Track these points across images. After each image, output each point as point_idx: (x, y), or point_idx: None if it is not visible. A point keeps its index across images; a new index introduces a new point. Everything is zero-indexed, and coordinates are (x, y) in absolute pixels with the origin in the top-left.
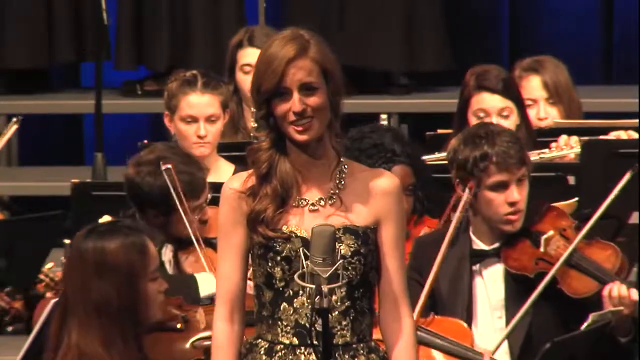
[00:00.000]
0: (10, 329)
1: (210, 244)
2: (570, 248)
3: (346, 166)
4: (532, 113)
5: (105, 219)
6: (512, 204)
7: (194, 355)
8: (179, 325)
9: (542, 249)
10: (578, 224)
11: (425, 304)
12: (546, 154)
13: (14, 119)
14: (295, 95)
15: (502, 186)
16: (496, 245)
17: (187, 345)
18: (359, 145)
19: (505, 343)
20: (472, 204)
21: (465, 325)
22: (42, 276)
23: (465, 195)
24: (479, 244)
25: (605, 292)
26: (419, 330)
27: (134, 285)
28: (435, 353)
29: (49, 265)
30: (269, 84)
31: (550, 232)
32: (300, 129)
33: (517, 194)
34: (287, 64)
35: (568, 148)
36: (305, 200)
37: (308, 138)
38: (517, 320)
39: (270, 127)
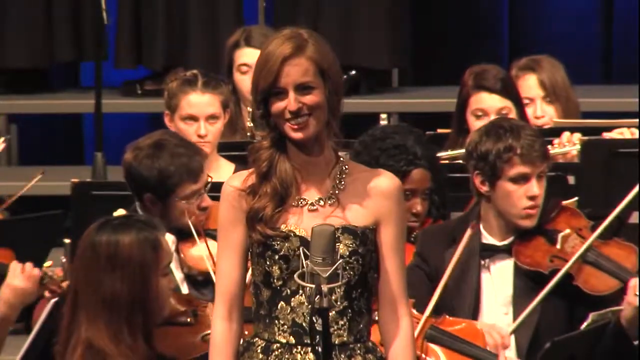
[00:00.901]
0: (9, 328)
1: (212, 235)
2: (587, 243)
3: (346, 166)
4: (529, 111)
5: (120, 212)
6: (531, 198)
7: (203, 350)
8: (188, 320)
9: (558, 246)
10: (594, 224)
11: (435, 305)
12: (549, 150)
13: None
14: (291, 95)
15: (523, 179)
16: (507, 241)
17: (197, 339)
18: (381, 144)
19: (513, 340)
20: (488, 196)
21: (477, 326)
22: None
23: (468, 233)
24: (488, 239)
25: (632, 283)
26: (434, 331)
27: (145, 280)
28: (449, 354)
29: (47, 263)
30: (265, 83)
31: (567, 231)
32: (296, 126)
33: (537, 188)
34: (282, 63)
35: (571, 145)
36: (304, 199)
37: (304, 136)
38: (526, 315)
39: (270, 127)
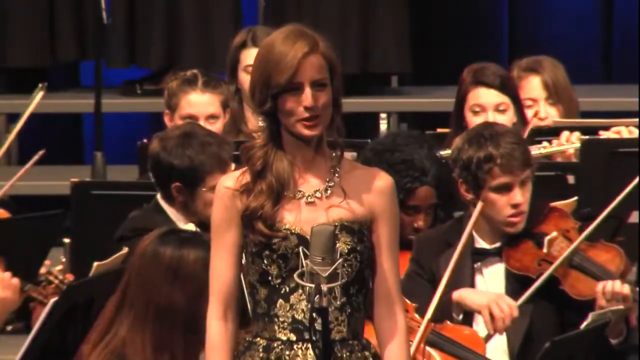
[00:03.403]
0: (9, 328)
1: None
2: (572, 247)
3: (341, 161)
4: (532, 113)
5: (190, 227)
6: (515, 206)
7: None
8: None
9: (545, 250)
10: (581, 225)
11: (436, 309)
12: (547, 148)
13: (40, 86)
14: (308, 90)
15: (505, 188)
16: (498, 244)
17: None
18: (389, 157)
19: (505, 342)
20: (474, 202)
21: (479, 335)
22: (51, 277)
23: (476, 212)
24: (480, 243)
25: (599, 287)
26: (436, 336)
27: (202, 299)
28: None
29: (58, 267)
30: (281, 78)
31: (554, 234)
32: (310, 124)
33: (521, 196)
34: (302, 59)
35: (569, 144)
36: (301, 192)
37: (317, 133)
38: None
39: (270, 123)
